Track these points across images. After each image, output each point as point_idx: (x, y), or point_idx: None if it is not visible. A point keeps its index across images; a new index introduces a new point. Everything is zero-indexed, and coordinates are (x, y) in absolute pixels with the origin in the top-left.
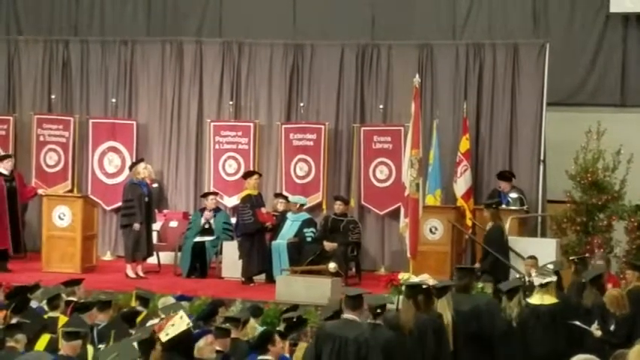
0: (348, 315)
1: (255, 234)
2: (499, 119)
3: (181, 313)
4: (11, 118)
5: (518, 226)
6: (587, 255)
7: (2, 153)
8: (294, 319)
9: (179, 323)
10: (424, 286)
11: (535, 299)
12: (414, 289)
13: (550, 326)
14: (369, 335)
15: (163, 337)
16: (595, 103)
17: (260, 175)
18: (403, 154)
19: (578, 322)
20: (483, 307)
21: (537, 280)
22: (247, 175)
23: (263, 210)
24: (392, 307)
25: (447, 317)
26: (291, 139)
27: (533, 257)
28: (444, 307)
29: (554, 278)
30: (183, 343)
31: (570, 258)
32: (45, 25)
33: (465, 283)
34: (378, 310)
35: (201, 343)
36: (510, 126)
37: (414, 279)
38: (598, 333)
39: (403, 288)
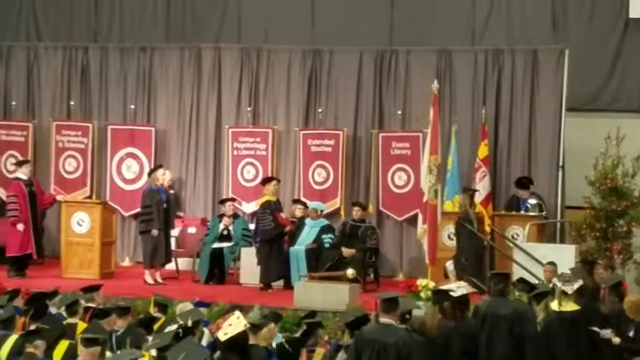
0: (384, 319)
1: (274, 240)
2: (518, 125)
3: (237, 313)
4: (30, 124)
5: (537, 232)
6: (597, 259)
7: (21, 159)
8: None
9: (236, 324)
10: (455, 294)
11: (555, 305)
12: (440, 296)
13: (571, 333)
14: (408, 339)
15: (222, 336)
16: (614, 109)
17: (279, 181)
18: (421, 160)
19: (596, 329)
20: (520, 311)
21: (568, 287)
22: (266, 181)
23: (282, 215)
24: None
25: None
26: (309, 144)
27: (552, 263)
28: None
29: (580, 283)
30: (240, 343)
31: (576, 261)
32: (64, 31)
33: (500, 287)
34: (407, 316)
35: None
36: (529, 132)
37: (449, 286)
38: (617, 340)
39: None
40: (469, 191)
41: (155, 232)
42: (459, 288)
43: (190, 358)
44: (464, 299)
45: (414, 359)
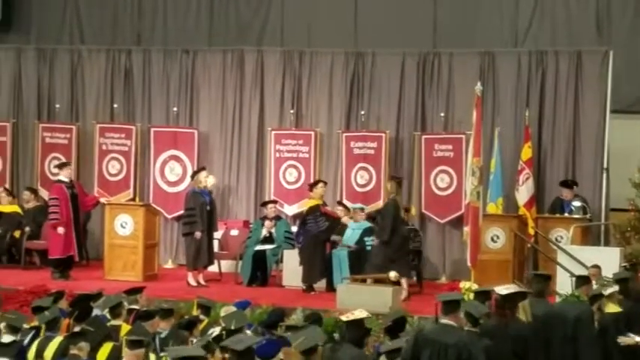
0: (444, 320)
1: (316, 242)
2: (561, 127)
3: (361, 310)
4: (74, 127)
5: (582, 234)
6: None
7: (62, 161)
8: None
9: (359, 313)
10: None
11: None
12: (510, 298)
13: (606, 335)
14: (468, 341)
15: (344, 318)
16: None
17: (325, 183)
18: (464, 162)
19: (631, 335)
20: (557, 311)
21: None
22: (313, 184)
23: (328, 208)
24: None
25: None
26: (351, 147)
27: (596, 266)
28: (521, 314)
29: (615, 288)
30: (358, 328)
31: (621, 264)
32: (108, 34)
33: (539, 288)
34: (481, 321)
35: (281, 355)
36: (573, 134)
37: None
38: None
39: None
40: (396, 179)
41: (198, 234)
42: (507, 288)
43: (309, 340)
44: (511, 299)
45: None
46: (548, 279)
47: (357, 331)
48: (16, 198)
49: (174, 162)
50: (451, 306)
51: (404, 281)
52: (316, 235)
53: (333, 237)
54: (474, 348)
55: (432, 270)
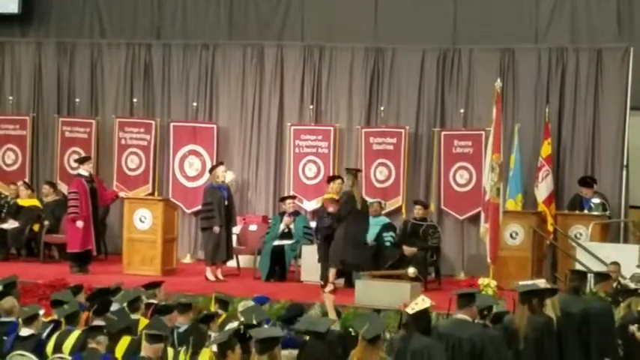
0: (459, 315)
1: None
2: (581, 124)
3: (423, 296)
4: (94, 121)
5: (601, 231)
6: None
7: (83, 155)
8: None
9: (422, 303)
10: (538, 289)
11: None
12: (528, 295)
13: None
14: (482, 335)
15: (409, 311)
16: None
17: (343, 180)
18: (484, 159)
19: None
20: (594, 310)
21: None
22: (331, 179)
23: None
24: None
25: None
26: (371, 142)
27: (615, 263)
28: (548, 309)
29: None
30: (423, 318)
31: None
32: (127, 28)
33: (575, 285)
34: (485, 312)
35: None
36: (593, 131)
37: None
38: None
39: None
40: (352, 171)
41: (217, 229)
42: (540, 283)
43: (372, 328)
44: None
45: (487, 354)
46: (584, 276)
47: (424, 320)
48: (35, 192)
49: (194, 157)
50: (466, 300)
51: (332, 274)
52: (325, 230)
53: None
54: (487, 342)
55: (450, 266)
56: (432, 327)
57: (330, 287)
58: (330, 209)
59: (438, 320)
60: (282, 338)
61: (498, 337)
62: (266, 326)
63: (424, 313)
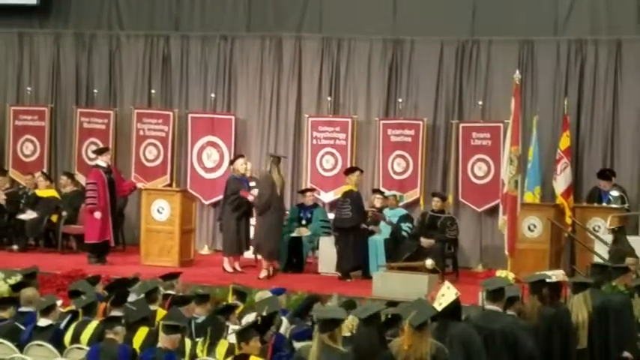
0: (490, 307)
1: (352, 229)
2: (600, 116)
3: (447, 283)
4: (112, 112)
5: (619, 224)
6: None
7: (101, 146)
8: (389, 316)
9: (448, 293)
10: (547, 281)
11: None
12: (537, 284)
13: None
14: (514, 326)
15: (437, 307)
16: None
17: (362, 171)
18: (502, 151)
19: None
20: (614, 304)
21: None
22: (349, 171)
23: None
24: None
25: (583, 314)
26: (389, 134)
27: (635, 256)
28: (579, 304)
29: None
30: (454, 309)
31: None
32: (146, 20)
33: (597, 279)
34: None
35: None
36: (612, 123)
37: (548, 274)
38: None
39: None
40: (274, 157)
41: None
42: (553, 275)
43: (421, 314)
44: (558, 286)
45: (520, 344)
46: (605, 269)
47: (454, 308)
48: (53, 182)
49: (212, 148)
50: (498, 294)
51: (263, 261)
52: (340, 221)
53: (369, 227)
54: (518, 332)
55: (467, 258)
56: (464, 318)
57: (264, 273)
58: (250, 198)
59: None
60: (343, 320)
61: (530, 328)
62: (283, 318)
63: (454, 303)
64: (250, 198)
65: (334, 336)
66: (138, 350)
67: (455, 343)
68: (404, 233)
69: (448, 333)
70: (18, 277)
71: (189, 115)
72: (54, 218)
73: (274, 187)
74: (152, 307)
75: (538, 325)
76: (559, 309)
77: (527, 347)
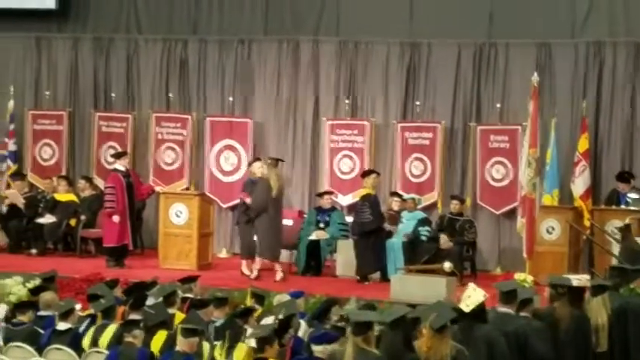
0: (503, 309)
1: (371, 232)
2: (619, 118)
3: (472, 285)
4: (130, 116)
5: (638, 227)
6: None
7: (120, 150)
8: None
9: (474, 295)
10: (574, 284)
11: None
12: (570, 289)
13: None
14: (526, 327)
15: (465, 308)
16: None
17: (379, 174)
18: (520, 154)
19: None
20: (632, 306)
21: None
22: (366, 173)
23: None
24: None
25: (602, 317)
26: (406, 137)
27: None
28: (599, 306)
29: None
30: (481, 311)
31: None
32: (164, 24)
33: (615, 281)
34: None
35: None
36: (631, 125)
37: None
38: None
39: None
40: (271, 160)
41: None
42: (578, 279)
43: (442, 317)
44: (578, 290)
45: (531, 345)
46: (624, 272)
47: (480, 310)
48: (72, 186)
49: (230, 151)
50: (510, 296)
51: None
52: (360, 225)
53: (388, 227)
54: (530, 333)
55: (486, 261)
56: None
57: (279, 275)
58: (248, 201)
59: None
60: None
61: (542, 329)
62: (301, 321)
63: (482, 305)
64: (248, 200)
65: (368, 339)
66: (156, 353)
67: (479, 345)
68: (423, 237)
69: (473, 335)
70: (37, 281)
71: (207, 119)
72: (72, 222)
73: (270, 191)
74: (170, 311)
75: (569, 329)
76: (582, 313)
77: (538, 349)
